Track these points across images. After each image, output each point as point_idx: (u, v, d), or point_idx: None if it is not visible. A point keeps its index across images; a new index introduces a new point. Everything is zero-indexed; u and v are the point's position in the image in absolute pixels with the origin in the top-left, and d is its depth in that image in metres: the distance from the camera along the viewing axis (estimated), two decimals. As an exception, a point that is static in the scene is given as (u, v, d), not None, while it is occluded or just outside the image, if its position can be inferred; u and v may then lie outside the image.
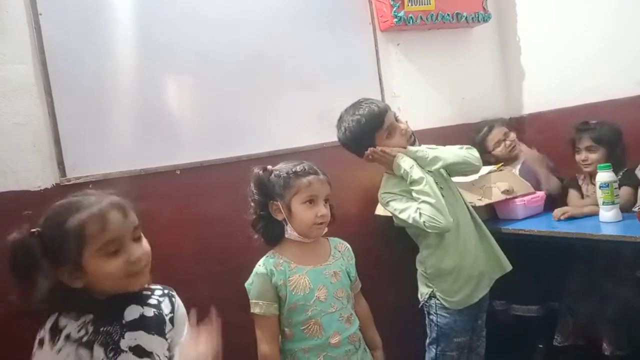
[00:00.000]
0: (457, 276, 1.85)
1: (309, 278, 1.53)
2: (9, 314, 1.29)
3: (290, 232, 1.55)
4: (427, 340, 1.95)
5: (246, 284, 1.57)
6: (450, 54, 2.66)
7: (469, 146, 1.92)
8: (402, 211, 1.81)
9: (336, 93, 2.27)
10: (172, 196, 1.87)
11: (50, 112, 1.69)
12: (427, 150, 1.82)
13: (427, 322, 1.95)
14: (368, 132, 1.79)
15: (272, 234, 1.57)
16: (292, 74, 2.19)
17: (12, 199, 1.60)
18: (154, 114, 1.88)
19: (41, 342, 1.05)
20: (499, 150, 2.52)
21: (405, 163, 1.78)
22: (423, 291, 1.94)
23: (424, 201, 1.74)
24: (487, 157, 2.46)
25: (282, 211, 1.52)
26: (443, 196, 1.78)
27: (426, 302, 1.92)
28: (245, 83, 2.07)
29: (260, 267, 1.54)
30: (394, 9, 2.34)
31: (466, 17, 2.55)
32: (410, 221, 1.78)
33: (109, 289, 1.08)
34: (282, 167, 1.55)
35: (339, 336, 1.52)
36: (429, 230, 1.74)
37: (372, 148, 1.79)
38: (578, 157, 2.23)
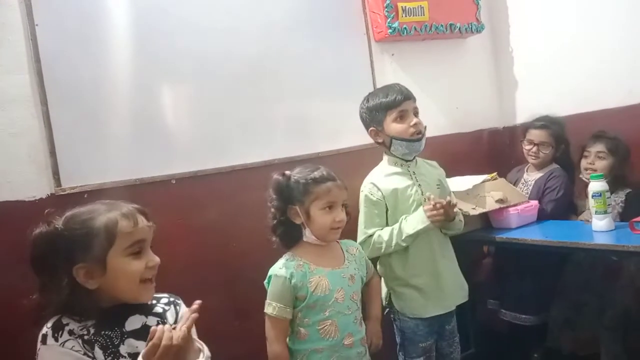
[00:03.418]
0: (411, 286, 1.88)
1: (329, 280, 1.57)
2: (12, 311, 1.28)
3: (308, 235, 1.59)
4: (397, 347, 1.97)
5: (265, 282, 1.60)
6: (444, 64, 2.69)
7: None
8: (364, 222, 1.91)
9: (331, 102, 2.30)
10: (167, 206, 1.87)
11: (45, 122, 1.69)
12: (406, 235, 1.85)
13: (394, 328, 1.97)
14: (383, 107, 1.89)
15: (291, 238, 1.62)
16: (287, 83, 2.20)
17: (7, 209, 1.59)
18: (149, 123, 1.89)
19: (44, 339, 1.05)
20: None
21: (417, 218, 1.82)
22: (383, 294, 1.97)
23: (385, 246, 1.85)
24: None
25: (301, 216, 1.57)
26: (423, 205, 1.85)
27: (390, 307, 1.95)
28: (241, 92, 2.08)
29: (280, 269, 1.57)
30: (389, 20, 2.36)
31: (460, 28, 2.58)
32: (359, 233, 1.90)
33: (122, 292, 1.10)
34: (301, 173, 1.59)
35: (352, 338, 1.58)
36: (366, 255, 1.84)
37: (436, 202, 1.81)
38: (584, 162, 2.23)
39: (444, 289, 1.90)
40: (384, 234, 1.87)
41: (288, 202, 1.58)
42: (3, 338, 1.47)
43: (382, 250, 1.87)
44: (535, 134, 2.40)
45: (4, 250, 1.51)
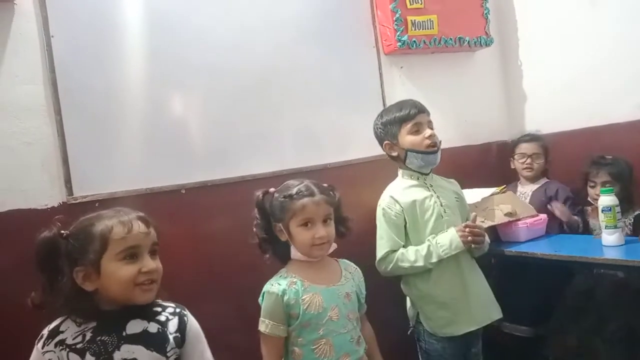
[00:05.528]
0: (439, 303, 1.85)
1: (322, 297, 1.52)
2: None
3: (294, 252, 1.56)
4: None
5: (259, 299, 1.58)
6: (452, 77, 2.69)
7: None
8: (384, 237, 1.90)
9: (340, 114, 2.31)
10: (177, 215, 1.88)
11: (59, 131, 1.71)
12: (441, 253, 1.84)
13: (417, 349, 1.94)
14: (397, 120, 1.92)
15: (282, 254, 1.59)
16: (297, 94, 2.21)
17: (19, 217, 1.62)
18: (160, 133, 1.90)
19: (39, 339, 1.15)
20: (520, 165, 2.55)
21: (449, 242, 1.82)
22: (410, 314, 1.95)
23: (409, 266, 1.84)
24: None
25: (284, 233, 1.55)
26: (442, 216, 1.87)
27: (415, 328, 1.92)
28: (251, 103, 2.09)
29: (272, 286, 1.53)
30: (398, 33, 2.38)
31: (469, 42, 2.59)
32: (378, 248, 1.90)
33: (117, 296, 1.15)
34: (281, 190, 1.57)
35: (349, 358, 1.52)
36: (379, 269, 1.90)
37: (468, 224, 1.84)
38: (592, 192, 2.23)
39: (472, 302, 1.86)
40: (410, 253, 1.84)
41: (273, 220, 1.57)
42: (16, 342, 1.47)
43: (406, 269, 1.85)
44: (527, 147, 2.53)
45: (17, 257, 1.52)
